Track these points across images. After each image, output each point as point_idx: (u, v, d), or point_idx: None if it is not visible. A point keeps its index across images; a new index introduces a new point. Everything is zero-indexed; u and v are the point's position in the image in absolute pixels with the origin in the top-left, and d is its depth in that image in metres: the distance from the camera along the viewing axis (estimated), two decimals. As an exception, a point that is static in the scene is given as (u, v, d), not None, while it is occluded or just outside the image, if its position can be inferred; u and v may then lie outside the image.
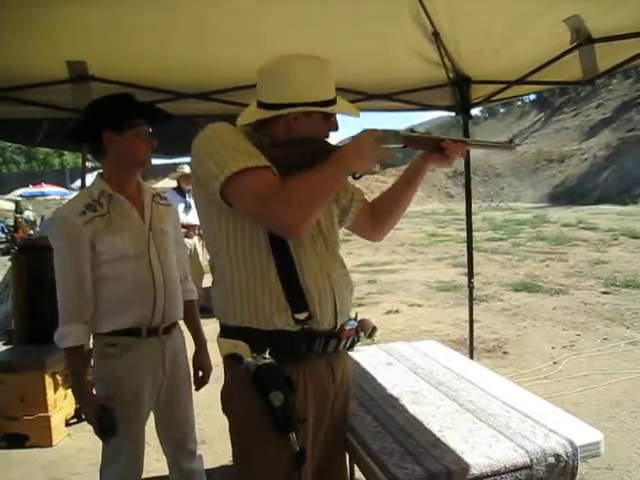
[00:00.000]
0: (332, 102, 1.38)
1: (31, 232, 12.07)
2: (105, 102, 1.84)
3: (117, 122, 1.79)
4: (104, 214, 1.82)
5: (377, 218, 1.67)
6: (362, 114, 1.71)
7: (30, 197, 18.89)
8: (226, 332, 1.40)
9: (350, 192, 1.64)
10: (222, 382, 1.46)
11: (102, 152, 1.86)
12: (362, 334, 1.50)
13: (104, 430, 1.75)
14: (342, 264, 1.48)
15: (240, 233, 1.34)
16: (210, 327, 2.07)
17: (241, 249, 1.34)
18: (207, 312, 2.26)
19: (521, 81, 2.83)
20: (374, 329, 1.51)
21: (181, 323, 2.08)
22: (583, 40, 2.34)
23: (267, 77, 1.38)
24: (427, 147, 1.57)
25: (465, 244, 3.53)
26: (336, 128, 1.44)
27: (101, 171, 1.92)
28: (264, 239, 1.33)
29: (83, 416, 3.46)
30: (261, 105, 1.38)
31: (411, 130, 1.54)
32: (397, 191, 1.65)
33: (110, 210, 1.84)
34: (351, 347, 1.50)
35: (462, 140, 1.61)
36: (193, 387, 2.10)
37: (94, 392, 1.85)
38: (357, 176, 1.47)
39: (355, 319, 1.49)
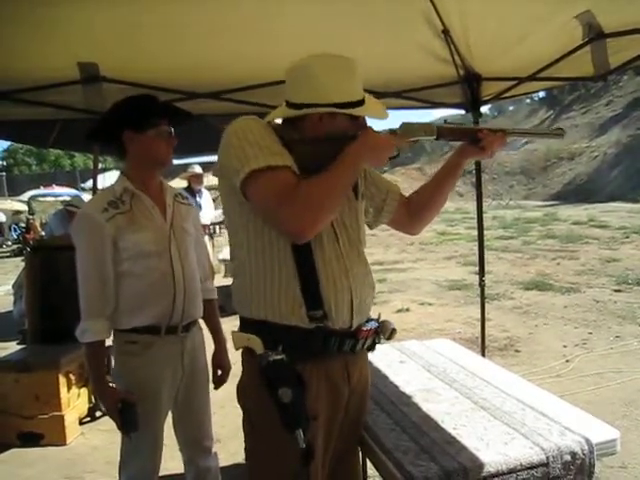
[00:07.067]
0: (359, 103, 1.36)
1: (43, 233, 12.12)
2: (126, 102, 1.85)
3: (137, 122, 1.81)
4: (126, 211, 1.83)
5: (413, 213, 1.64)
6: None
7: (41, 197, 18.96)
8: (243, 325, 1.40)
9: (385, 191, 1.61)
10: (236, 380, 1.47)
11: (123, 152, 1.88)
12: (382, 335, 1.47)
13: (126, 424, 1.75)
14: (364, 262, 1.46)
15: (260, 225, 1.33)
16: (226, 326, 2.07)
17: (260, 241, 1.34)
18: (223, 311, 2.28)
19: (532, 77, 2.81)
20: (393, 331, 1.48)
21: (201, 322, 2.09)
22: (595, 35, 2.32)
23: (293, 76, 1.38)
24: (462, 138, 1.51)
25: (475, 243, 3.51)
26: (364, 127, 1.41)
27: (121, 171, 1.94)
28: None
29: (97, 414, 3.53)
30: (287, 104, 1.38)
31: (444, 122, 1.48)
32: (433, 186, 1.61)
33: (132, 207, 1.85)
34: (371, 348, 1.48)
35: (502, 129, 1.51)
36: (211, 385, 2.11)
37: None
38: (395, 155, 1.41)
39: (377, 320, 1.47)
